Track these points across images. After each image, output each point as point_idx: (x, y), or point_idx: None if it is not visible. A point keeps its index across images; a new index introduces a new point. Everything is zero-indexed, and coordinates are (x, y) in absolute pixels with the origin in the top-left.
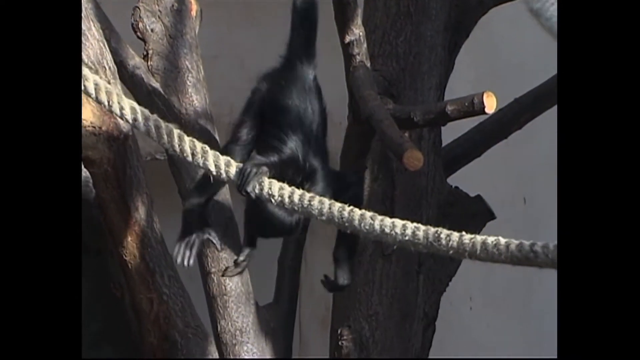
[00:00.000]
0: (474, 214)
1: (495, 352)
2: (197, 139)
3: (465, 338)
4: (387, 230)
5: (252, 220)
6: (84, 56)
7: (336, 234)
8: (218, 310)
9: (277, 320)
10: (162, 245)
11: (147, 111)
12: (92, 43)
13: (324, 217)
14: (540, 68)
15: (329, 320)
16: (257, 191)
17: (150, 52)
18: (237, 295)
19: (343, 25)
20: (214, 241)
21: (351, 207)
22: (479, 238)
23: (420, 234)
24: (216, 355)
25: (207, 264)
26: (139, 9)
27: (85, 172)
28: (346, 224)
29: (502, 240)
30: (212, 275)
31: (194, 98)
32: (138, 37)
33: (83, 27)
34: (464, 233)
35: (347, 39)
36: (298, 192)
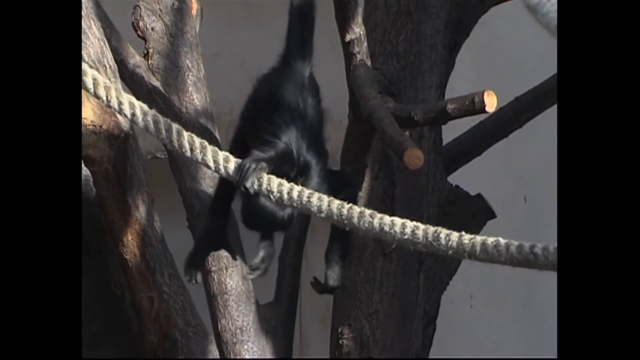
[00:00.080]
0: (474, 212)
1: (495, 351)
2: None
3: (465, 337)
4: (386, 228)
5: (246, 214)
6: (84, 55)
7: (331, 237)
8: (218, 308)
9: (278, 318)
10: (163, 243)
11: (145, 106)
12: (93, 42)
13: (322, 214)
14: (541, 67)
15: (330, 318)
16: (256, 187)
17: (150, 50)
18: (238, 294)
19: (343, 24)
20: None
21: (350, 204)
22: (478, 239)
23: (420, 233)
24: (217, 354)
25: (207, 263)
26: (140, 7)
27: (85, 171)
28: (345, 222)
29: (502, 242)
30: (213, 274)
31: (195, 97)
32: (138, 35)
33: (84, 25)
34: (463, 233)
35: (348, 37)
36: (297, 188)
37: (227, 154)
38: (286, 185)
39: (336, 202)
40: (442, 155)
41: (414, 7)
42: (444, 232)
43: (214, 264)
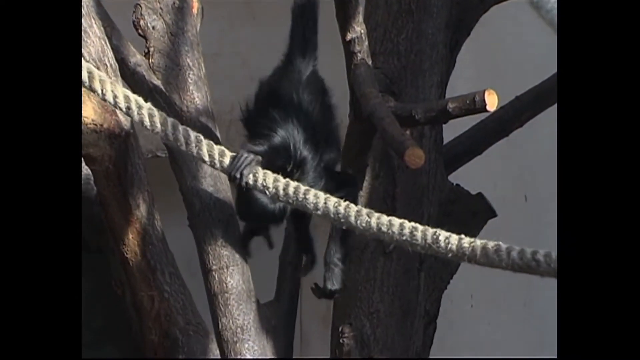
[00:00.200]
0: (475, 211)
1: (496, 350)
2: None
3: (466, 336)
4: (384, 228)
5: (239, 206)
6: (85, 53)
7: (330, 239)
8: (219, 307)
9: (278, 317)
10: (163, 242)
11: (141, 99)
12: (94, 40)
13: (319, 212)
14: (541, 66)
15: (330, 317)
16: (250, 181)
17: (151, 49)
18: (238, 293)
19: (344, 23)
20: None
21: (347, 202)
22: (478, 242)
23: (419, 234)
24: (217, 352)
25: (208, 262)
26: (141, 6)
27: (86, 170)
28: (342, 220)
29: (503, 246)
30: (213, 273)
31: (195, 96)
32: (139, 34)
33: (84, 24)
34: (463, 236)
35: (349, 36)
36: (293, 184)
37: (222, 147)
38: (282, 181)
39: (333, 200)
40: (443, 154)
41: (415, 6)
42: (443, 234)
43: (215, 262)
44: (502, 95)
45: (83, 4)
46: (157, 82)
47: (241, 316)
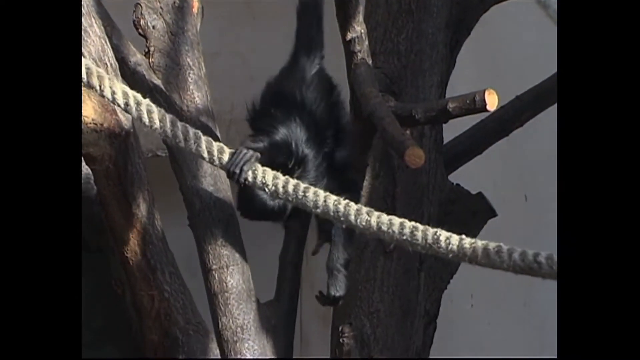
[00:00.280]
0: (475, 211)
1: (496, 350)
2: None
3: (466, 336)
4: (384, 227)
5: (240, 202)
6: (85, 53)
7: (332, 245)
8: (219, 307)
9: (278, 317)
10: (163, 242)
11: (139, 96)
12: (94, 40)
13: (318, 210)
14: (542, 66)
15: (330, 317)
16: (250, 178)
17: (151, 49)
18: (238, 292)
19: (344, 23)
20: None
21: (347, 200)
22: (479, 243)
23: (419, 234)
24: (217, 352)
25: (208, 261)
26: (141, 5)
27: (86, 169)
28: (341, 219)
29: (505, 247)
30: (213, 272)
31: (196, 95)
32: (139, 34)
33: (84, 23)
34: (464, 236)
35: (349, 36)
36: (292, 182)
37: (221, 144)
38: (281, 178)
39: (332, 198)
40: (443, 153)
41: (415, 6)
42: (444, 234)
43: (215, 262)
44: (502, 95)
45: (83, 3)
46: (157, 82)
47: (241, 316)
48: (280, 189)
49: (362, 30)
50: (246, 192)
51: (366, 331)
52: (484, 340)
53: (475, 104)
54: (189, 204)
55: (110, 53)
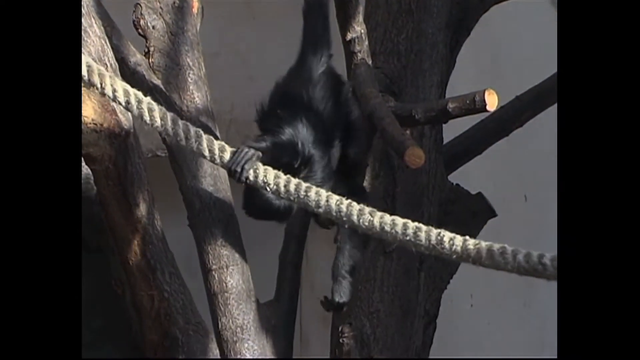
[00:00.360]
0: (475, 211)
1: (496, 350)
2: None
3: (466, 336)
4: (387, 228)
5: (246, 201)
6: (85, 53)
7: (338, 251)
8: (219, 307)
9: (278, 317)
10: (163, 242)
11: (140, 94)
12: (94, 40)
13: (321, 209)
14: (542, 66)
15: (330, 317)
16: (251, 177)
17: (151, 49)
18: (238, 293)
19: (345, 23)
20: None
21: (349, 200)
22: (484, 244)
23: (422, 235)
24: (217, 352)
25: (208, 261)
26: (141, 6)
27: (86, 169)
28: (344, 218)
29: (509, 249)
30: (213, 272)
31: (195, 95)
32: (139, 34)
33: (84, 24)
34: (467, 237)
35: (349, 36)
36: (294, 181)
37: (222, 143)
38: (283, 177)
39: (335, 198)
40: (443, 154)
41: (415, 6)
42: (447, 235)
43: (215, 262)
44: (502, 95)
45: (83, 3)
46: (157, 82)
47: (241, 316)
48: (282, 188)
49: (362, 31)
50: (252, 192)
51: (366, 331)
52: (483, 340)
53: (475, 104)
54: (189, 204)
55: (110, 53)
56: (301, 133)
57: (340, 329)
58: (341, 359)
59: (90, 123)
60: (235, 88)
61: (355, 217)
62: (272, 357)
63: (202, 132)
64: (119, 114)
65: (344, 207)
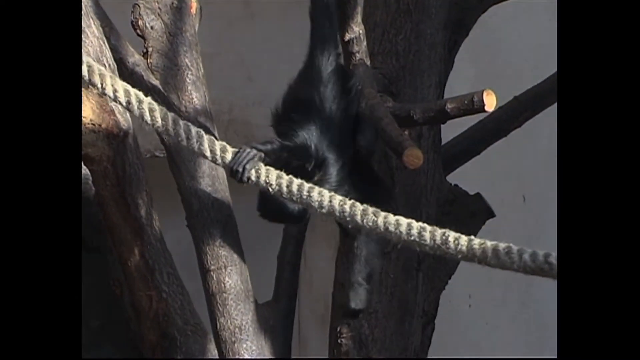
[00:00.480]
0: (473, 212)
1: (494, 350)
2: None
3: (464, 336)
4: (391, 228)
5: (260, 203)
6: (83, 53)
7: (354, 258)
8: (217, 307)
9: (276, 317)
10: (162, 242)
11: (141, 94)
12: (92, 40)
13: (324, 210)
14: (540, 66)
15: (328, 317)
16: (253, 177)
17: (149, 49)
18: (236, 293)
19: (343, 23)
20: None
21: (352, 201)
22: (489, 244)
23: (427, 235)
24: (215, 353)
25: (206, 262)
26: (139, 6)
27: (84, 170)
28: (347, 219)
29: (515, 248)
30: (212, 273)
31: (194, 95)
32: (138, 34)
33: (83, 24)
34: (472, 237)
35: (347, 36)
36: (296, 181)
37: (224, 143)
38: (285, 177)
39: (338, 198)
40: (441, 154)
41: (414, 7)
42: (452, 235)
43: (213, 262)
44: (500, 95)
45: (81, 3)
46: (156, 82)
47: (239, 316)
48: (284, 189)
49: (361, 31)
50: (267, 195)
51: (364, 331)
52: (482, 341)
53: (473, 105)
54: (187, 204)
55: (109, 54)
56: (315, 136)
57: (338, 329)
58: (339, 359)
59: (88, 123)
60: (233, 88)
61: (358, 218)
62: (271, 357)
63: (203, 132)
64: (117, 115)
65: (347, 208)
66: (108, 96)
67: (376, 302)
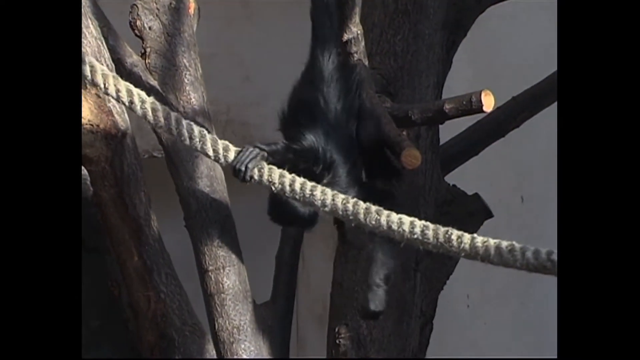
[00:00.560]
0: (471, 212)
1: (492, 350)
2: None
3: (462, 336)
4: (394, 226)
5: (271, 207)
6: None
7: (371, 260)
8: (215, 308)
9: (274, 318)
10: (160, 243)
11: (143, 93)
12: (90, 41)
13: (327, 209)
14: (538, 66)
15: (327, 318)
16: (256, 176)
17: (148, 50)
18: (235, 293)
19: (341, 24)
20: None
21: (355, 199)
22: (492, 241)
23: (430, 233)
24: (214, 353)
25: (204, 262)
26: (137, 6)
27: (83, 170)
28: (350, 217)
29: (517, 246)
30: (210, 273)
31: (192, 96)
32: (136, 34)
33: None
34: (475, 235)
35: (345, 37)
36: (299, 180)
37: (227, 142)
38: (288, 176)
39: (341, 197)
40: (440, 154)
41: (412, 7)
42: (455, 233)
43: (211, 263)
44: (498, 96)
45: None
46: (154, 83)
47: (237, 317)
48: (287, 187)
49: (359, 31)
50: (277, 198)
51: (362, 332)
52: (480, 341)
53: (471, 105)
54: (186, 205)
55: (107, 54)
56: (322, 139)
57: (336, 329)
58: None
59: (86, 124)
60: (231, 89)
61: (362, 216)
62: (269, 357)
63: (205, 131)
64: (116, 115)
65: (350, 206)
66: (110, 96)
67: None
